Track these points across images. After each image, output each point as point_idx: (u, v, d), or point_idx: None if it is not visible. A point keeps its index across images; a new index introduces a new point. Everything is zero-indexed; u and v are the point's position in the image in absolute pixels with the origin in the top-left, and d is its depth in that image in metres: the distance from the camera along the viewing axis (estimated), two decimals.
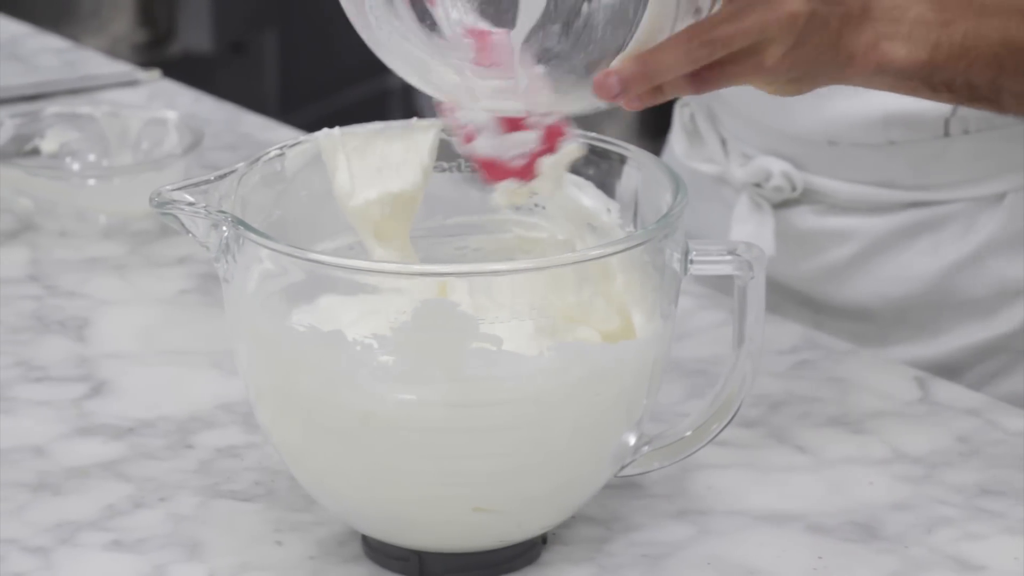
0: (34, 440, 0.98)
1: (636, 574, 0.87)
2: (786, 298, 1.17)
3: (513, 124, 0.85)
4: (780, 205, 1.17)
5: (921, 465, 0.96)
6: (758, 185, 1.16)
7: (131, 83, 1.46)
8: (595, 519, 0.91)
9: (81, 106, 1.30)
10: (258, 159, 0.89)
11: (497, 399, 0.82)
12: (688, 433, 0.89)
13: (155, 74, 1.47)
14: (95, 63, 1.51)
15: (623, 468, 0.89)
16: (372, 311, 0.83)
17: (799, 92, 0.90)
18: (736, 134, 1.18)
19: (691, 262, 0.87)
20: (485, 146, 0.85)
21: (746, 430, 0.98)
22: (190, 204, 0.85)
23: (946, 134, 1.12)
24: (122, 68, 1.49)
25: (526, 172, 0.87)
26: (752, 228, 1.16)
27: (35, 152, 1.26)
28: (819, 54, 0.88)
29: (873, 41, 0.89)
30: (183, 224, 0.85)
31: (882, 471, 0.95)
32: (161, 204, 0.85)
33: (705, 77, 0.85)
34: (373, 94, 2.74)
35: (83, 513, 0.91)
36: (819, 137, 1.14)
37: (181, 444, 0.97)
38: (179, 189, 0.86)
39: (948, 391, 1.02)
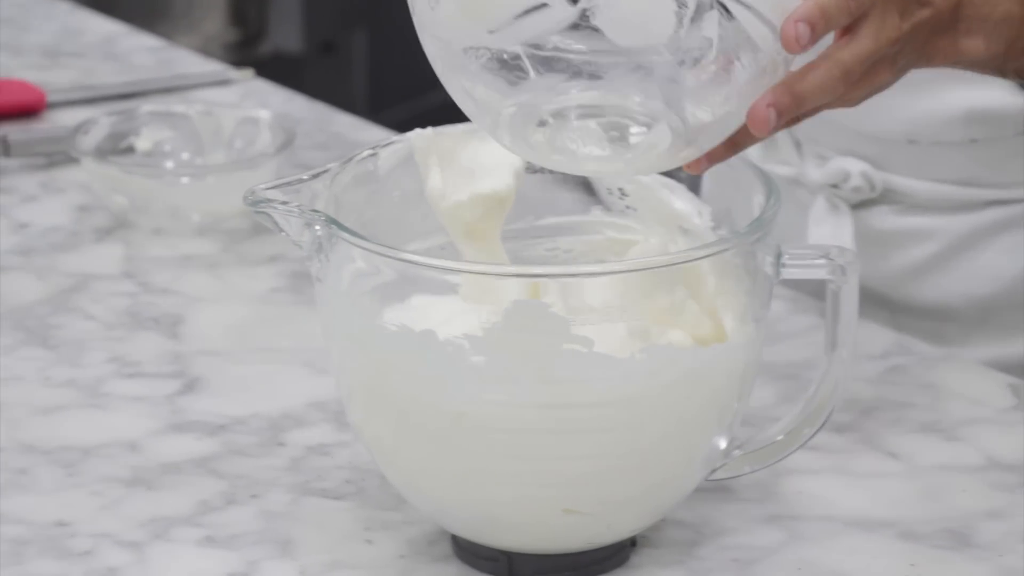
0: (128, 435, 0.99)
1: None
2: (862, 299, 1.16)
3: None
4: (857, 206, 1.16)
5: (1015, 473, 0.94)
6: (835, 186, 1.15)
7: (224, 82, 1.47)
8: (685, 522, 0.91)
9: (175, 105, 1.31)
10: (351, 159, 0.89)
11: (588, 401, 0.82)
12: (779, 437, 0.89)
13: (248, 73, 1.48)
14: (188, 62, 1.52)
15: (713, 472, 0.88)
16: (464, 311, 0.83)
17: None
18: (811, 135, 1.17)
19: (783, 266, 0.86)
20: None
21: (837, 435, 0.97)
22: (284, 203, 0.85)
23: None
24: (215, 67, 1.50)
25: None
26: (830, 230, 1.15)
27: (130, 150, 1.28)
28: (910, 56, 0.87)
29: (954, 40, 0.88)
30: (276, 223, 0.86)
31: (976, 478, 0.94)
32: (255, 203, 0.86)
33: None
34: None
35: (176, 509, 0.92)
36: (899, 136, 1.13)
37: (273, 442, 0.98)
38: (273, 188, 0.86)
39: None
